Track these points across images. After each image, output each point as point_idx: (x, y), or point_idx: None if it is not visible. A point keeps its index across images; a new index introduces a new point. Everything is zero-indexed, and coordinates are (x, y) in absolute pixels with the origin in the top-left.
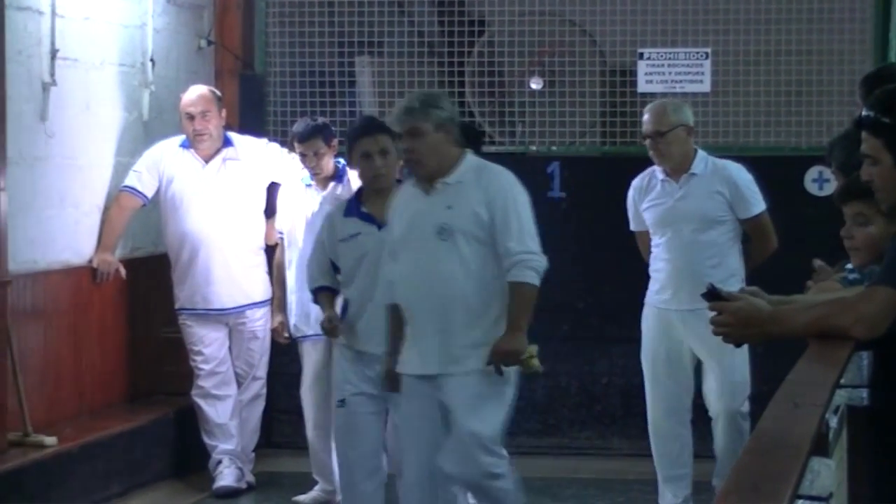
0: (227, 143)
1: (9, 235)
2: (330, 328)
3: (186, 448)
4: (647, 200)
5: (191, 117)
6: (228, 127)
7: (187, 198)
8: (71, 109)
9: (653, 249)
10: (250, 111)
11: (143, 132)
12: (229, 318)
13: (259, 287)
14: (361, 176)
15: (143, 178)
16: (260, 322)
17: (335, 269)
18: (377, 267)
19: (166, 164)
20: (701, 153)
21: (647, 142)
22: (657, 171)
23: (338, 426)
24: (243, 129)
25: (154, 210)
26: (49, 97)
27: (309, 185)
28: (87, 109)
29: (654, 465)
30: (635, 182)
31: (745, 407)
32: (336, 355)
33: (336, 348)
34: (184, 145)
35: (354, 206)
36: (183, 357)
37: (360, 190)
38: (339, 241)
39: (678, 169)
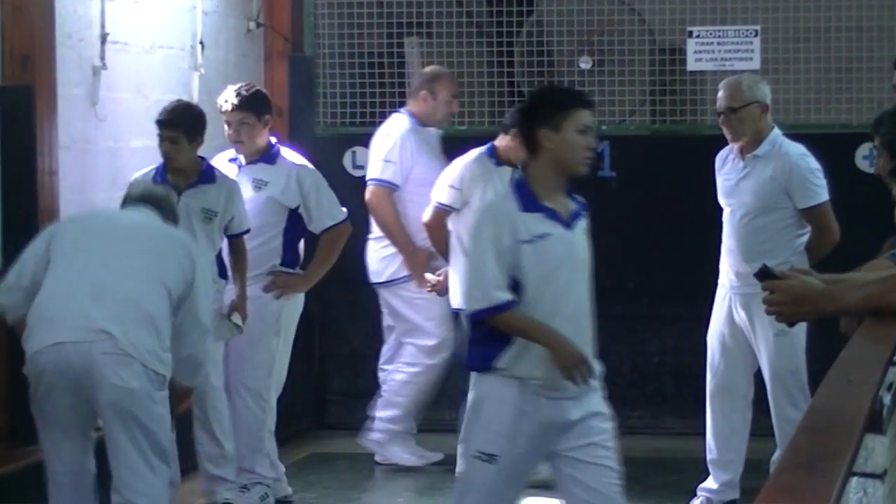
0: None
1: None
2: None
3: None
4: (721, 174)
5: None
6: (279, 111)
7: None
8: (121, 93)
9: None
10: (300, 93)
11: None
12: None
13: None
14: (571, 155)
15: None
16: None
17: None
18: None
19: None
20: (774, 133)
21: (720, 118)
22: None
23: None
24: (293, 112)
25: None
26: (99, 81)
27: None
28: (138, 93)
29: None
30: (720, 153)
31: (798, 390)
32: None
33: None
34: None
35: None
36: None
37: (522, 181)
38: (521, 242)
39: (748, 147)
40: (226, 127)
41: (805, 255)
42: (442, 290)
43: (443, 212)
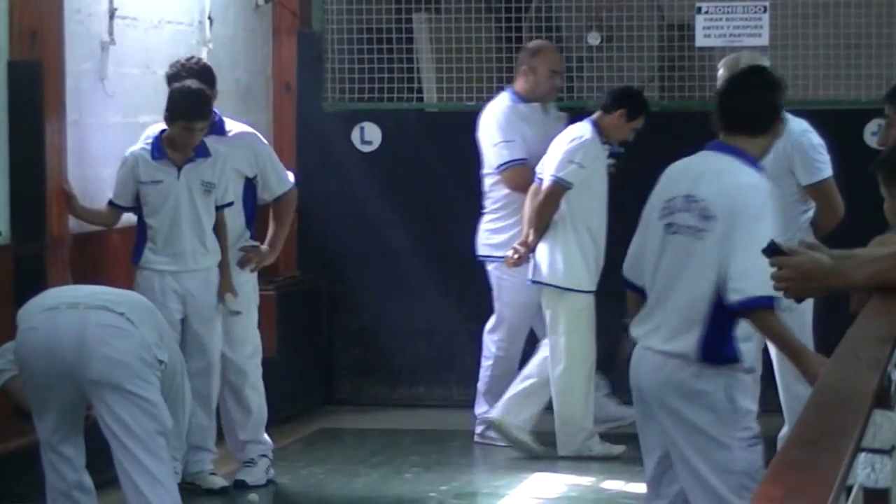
0: None
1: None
2: None
3: None
4: None
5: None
6: (287, 86)
7: None
8: (130, 68)
9: None
10: (308, 69)
11: None
12: None
13: None
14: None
15: None
16: None
17: None
18: None
19: None
20: None
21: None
22: None
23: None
24: (301, 88)
25: None
26: (108, 56)
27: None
28: (146, 68)
29: None
30: None
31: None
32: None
33: None
34: None
35: None
36: None
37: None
38: None
39: None
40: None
41: (810, 230)
42: (521, 263)
43: (561, 188)
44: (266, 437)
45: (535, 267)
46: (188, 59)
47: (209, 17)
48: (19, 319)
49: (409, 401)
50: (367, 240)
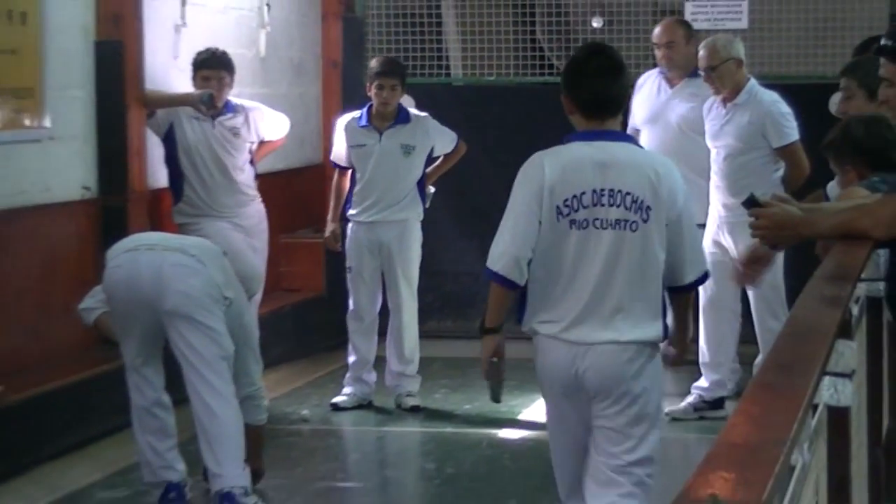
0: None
1: (146, 160)
2: None
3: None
4: (708, 120)
5: None
6: (335, 65)
7: None
8: (199, 46)
9: None
10: (351, 50)
11: (260, 67)
12: None
13: None
14: None
15: None
16: None
17: None
18: None
19: None
20: (751, 83)
21: (702, 74)
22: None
23: None
24: (346, 68)
25: None
26: (180, 37)
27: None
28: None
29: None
30: (706, 103)
31: (777, 304)
32: None
33: None
34: None
35: None
36: (298, 259)
37: None
38: None
39: (729, 97)
40: (200, 82)
41: (782, 187)
42: None
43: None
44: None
45: None
46: (216, 49)
47: (267, 4)
48: (107, 259)
49: (438, 332)
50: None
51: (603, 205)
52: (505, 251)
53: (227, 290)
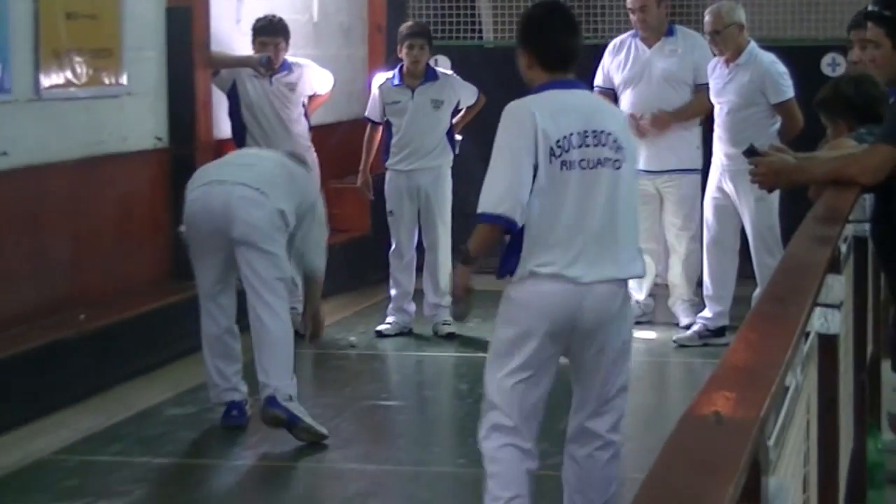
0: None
1: (212, 113)
2: None
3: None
4: (711, 79)
5: None
6: (379, 27)
7: None
8: (259, 12)
9: None
10: (394, 13)
11: (312, 31)
12: None
13: None
14: None
15: None
16: None
17: None
18: None
19: None
20: (751, 46)
21: (707, 37)
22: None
23: None
24: (389, 29)
25: None
26: (242, 4)
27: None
28: (271, 12)
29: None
30: (710, 63)
31: (773, 242)
32: None
33: None
34: None
35: None
36: (346, 203)
37: None
38: None
39: (731, 58)
40: (259, 47)
41: (778, 138)
42: None
43: None
44: None
45: None
46: (273, 17)
47: None
48: (186, 192)
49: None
50: None
51: (588, 145)
52: (505, 194)
53: (290, 215)
